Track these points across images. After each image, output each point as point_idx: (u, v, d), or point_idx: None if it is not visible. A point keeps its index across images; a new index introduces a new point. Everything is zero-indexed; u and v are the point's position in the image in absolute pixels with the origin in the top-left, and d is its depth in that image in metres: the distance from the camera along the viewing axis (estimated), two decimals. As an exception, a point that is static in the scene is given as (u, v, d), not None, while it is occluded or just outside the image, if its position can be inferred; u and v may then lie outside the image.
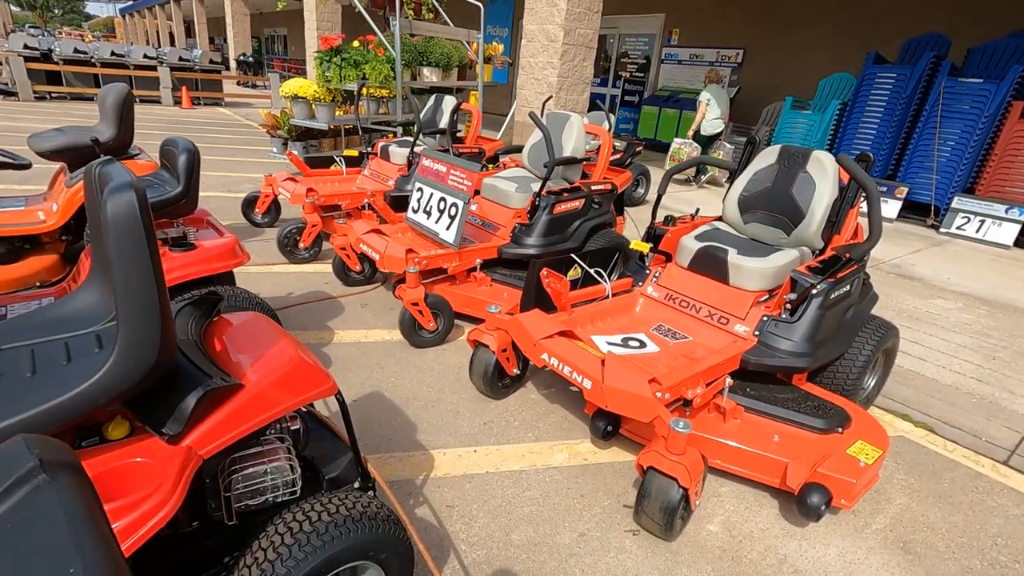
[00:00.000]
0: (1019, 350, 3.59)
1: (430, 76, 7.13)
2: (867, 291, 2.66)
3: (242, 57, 21.31)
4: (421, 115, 5.16)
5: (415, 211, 3.52)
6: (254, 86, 20.52)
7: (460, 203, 3.16)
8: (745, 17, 10.82)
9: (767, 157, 2.77)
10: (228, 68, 20.38)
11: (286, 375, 1.32)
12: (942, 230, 6.65)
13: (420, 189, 3.49)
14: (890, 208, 7.08)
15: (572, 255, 2.90)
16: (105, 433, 1.14)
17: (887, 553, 1.93)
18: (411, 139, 5.11)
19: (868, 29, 8.93)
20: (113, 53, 13.06)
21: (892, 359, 2.77)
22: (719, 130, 8.24)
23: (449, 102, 4.98)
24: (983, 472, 2.41)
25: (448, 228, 3.24)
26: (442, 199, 3.31)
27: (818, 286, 2.25)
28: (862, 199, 2.59)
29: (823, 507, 1.87)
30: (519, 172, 4.01)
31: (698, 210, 3.14)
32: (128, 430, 1.17)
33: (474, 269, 3.39)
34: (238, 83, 20.01)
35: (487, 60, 8.19)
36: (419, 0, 7.90)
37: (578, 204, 3.58)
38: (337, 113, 6.38)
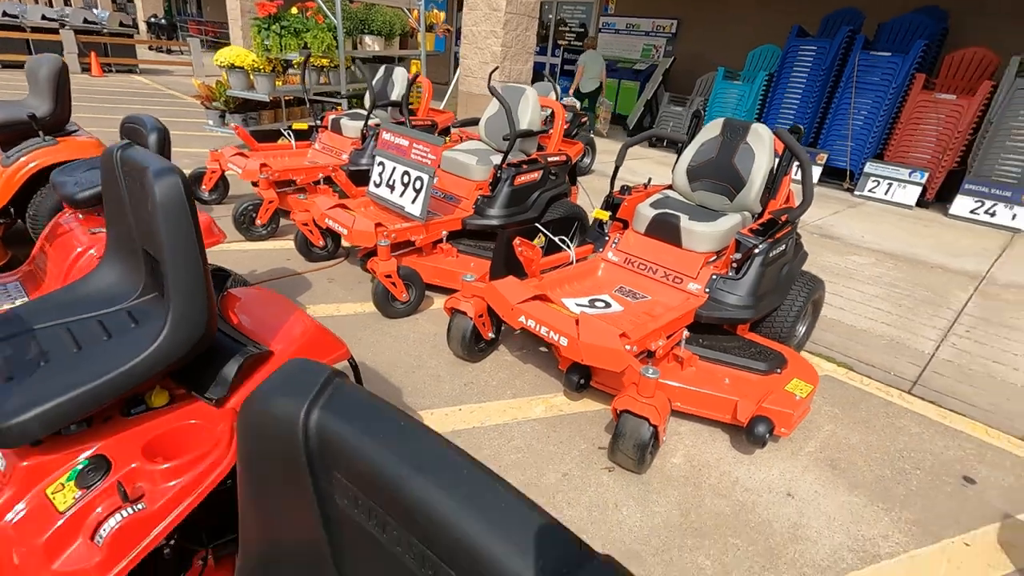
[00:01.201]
0: (920, 298, 4.12)
1: (372, 45, 6.97)
2: (799, 250, 3.00)
3: (153, 19, 19.66)
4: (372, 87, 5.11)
5: (377, 185, 3.57)
6: (169, 51, 19.06)
7: (425, 177, 3.24)
8: (679, -13, 11.11)
9: (712, 129, 3.03)
10: (138, 31, 18.75)
11: (307, 342, 1.43)
12: (856, 193, 7.31)
13: (381, 163, 3.53)
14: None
15: (537, 225, 3.07)
16: (149, 402, 1.22)
17: (818, 470, 2.28)
18: (362, 112, 5.07)
19: (793, 4, 9.42)
20: (5, 13, 11.77)
21: (819, 309, 3.15)
22: (595, 87, 9.31)
23: (400, 74, 4.95)
24: (892, 400, 2.83)
25: (414, 202, 3.32)
26: (405, 173, 3.38)
27: (760, 246, 2.54)
28: (794, 167, 2.90)
29: (767, 435, 2.18)
30: (477, 145, 4.10)
31: (650, 179, 3.37)
32: (168, 398, 1.25)
33: (440, 241, 3.50)
34: (150, 48, 18.49)
35: (428, 28, 8.07)
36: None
37: (537, 176, 3.74)
38: (277, 84, 6.16)
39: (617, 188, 3.13)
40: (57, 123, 3.28)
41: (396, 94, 4.92)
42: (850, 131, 7.47)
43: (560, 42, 13.69)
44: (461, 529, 0.37)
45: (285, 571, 0.54)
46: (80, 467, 1.06)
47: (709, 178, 3.00)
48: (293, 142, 4.94)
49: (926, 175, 6.84)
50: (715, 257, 2.73)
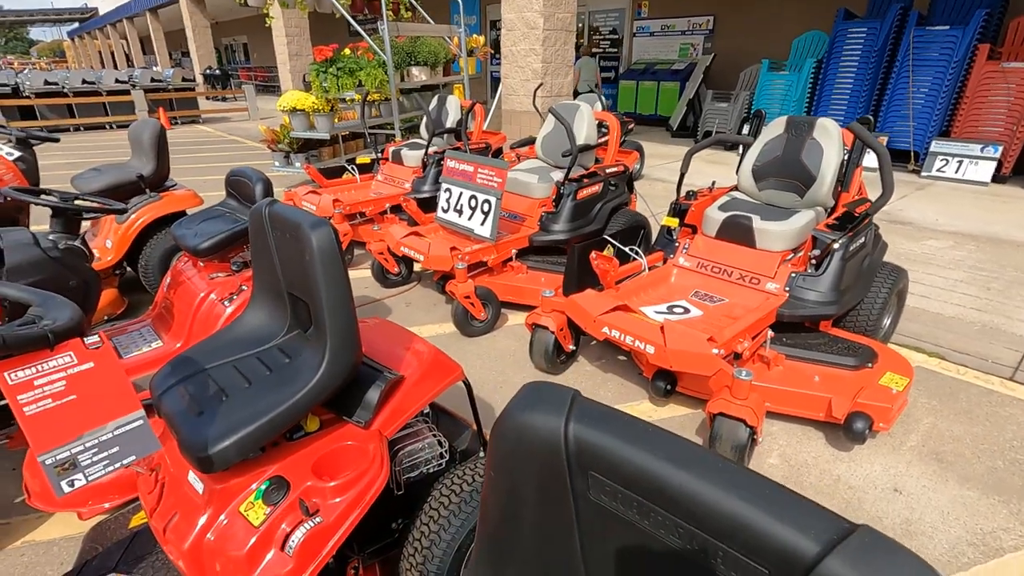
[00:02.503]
0: (1010, 279, 3.93)
1: (419, 75, 7.26)
2: (878, 241, 2.95)
3: (208, 71, 21.00)
4: (426, 117, 5.34)
5: (445, 211, 3.73)
6: (224, 99, 20.31)
7: (493, 199, 3.38)
8: (713, -17, 11.01)
9: (775, 128, 3.03)
10: (196, 84, 20.11)
11: (430, 366, 1.56)
12: (923, 174, 7.00)
13: (448, 190, 3.70)
14: (871, 158, 7.40)
15: (606, 237, 3.15)
16: (305, 427, 1.37)
17: (924, 464, 2.23)
18: (419, 141, 5.30)
19: (834, -15, 9.17)
20: (84, 81, 12.90)
21: (903, 299, 3.08)
22: (588, 90, 9.63)
23: (453, 101, 5.16)
24: (993, 388, 2.73)
25: (483, 224, 3.46)
26: (472, 197, 3.53)
27: (839, 241, 2.52)
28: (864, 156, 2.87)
29: (867, 431, 2.16)
30: (535, 163, 4.23)
31: (714, 183, 3.40)
32: (318, 424, 1.40)
33: (510, 259, 3.63)
34: (207, 98, 19.76)
35: (469, 53, 8.32)
36: (397, 1, 7.99)
37: (598, 188, 3.82)
38: (335, 121, 6.51)
39: (683, 193, 3.17)
40: (159, 179, 3.62)
41: (451, 121, 5.12)
42: (911, 111, 7.18)
43: (595, 50, 13.77)
44: (730, 510, 0.46)
45: (521, 554, 0.65)
46: (264, 487, 1.21)
47: (776, 176, 3.00)
48: (357, 176, 5.21)
49: (1000, 149, 6.49)
50: (792, 255, 2.72)
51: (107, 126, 13.13)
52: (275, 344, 1.47)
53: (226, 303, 2.29)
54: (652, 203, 5.30)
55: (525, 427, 0.59)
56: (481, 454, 1.81)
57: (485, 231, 3.43)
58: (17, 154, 3.23)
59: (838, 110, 7.88)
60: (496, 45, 9.28)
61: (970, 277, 3.98)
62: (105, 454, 0.96)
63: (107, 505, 1.95)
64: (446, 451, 1.64)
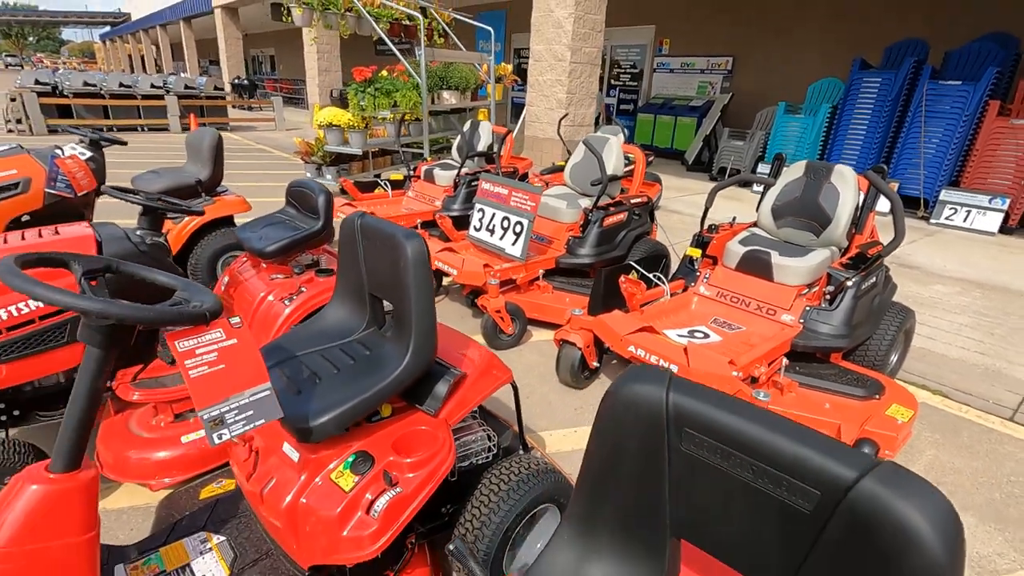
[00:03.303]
0: (1013, 327, 4.10)
1: (450, 99, 7.58)
2: (888, 282, 3.14)
3: (236, 80, 21.62)
4: (458, 140, 5.61)
5: (477, 229, 3.96)
6: (250, 108, 20.86)
7: (525, 221, 3.60)
8: (733, 26, 11.41)
9: (795, 171, 3.25)
10: (226, 92, 20.67)
11: (487, 367, 1.75)
12: (932, 221, 7.21)
13: (481, 210, 3.93)
14: (883, 203, 7.62)
15: (631, 263, 3.35)
16: (382, 412, 1.56)
17: (925, 491, 2.39)
18: (450, 162, 5.56)
19: (851, 36, 9.52)
20: (121, 84, 13.37)
21: (910, 338, 3.25)
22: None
23: (485, 127, 5.43)
24: (993, 427, 2.89)
25: (514, 244, 3.68)
26: (505, 218, 3.75)
27: (852, 279, 2.72)
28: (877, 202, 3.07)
29: (873, 457, 2.32)
30: (563, 190, 4.46)
31: (735, 218, 3.61)
32: (391, 410, 1.59)
33: (536, 278, 3.83)
34: (234, 106, 20.31)
35: (497, 80, 8.67)
36: (431, 27, 8.36)
37: (623, 216, 4.04)
38: (368, 138, 6.81)
39: (705, 227, 3.38)
40: (213, 185, 3.87)
41: (482, 144, 5.38)
42: (922, 159, 7.43)
43: (615, 83, 14.19)
44: (791, 450, 0.64)
45: (616, 497, 0.83)
46: (351, 459, 1.39)
47: (794, 216, 3.21)
48: (389, 191, 5.46)
49: (1008, 201, 6.71)
50: (807, 290, 2.91)
51: (139, 128, 13.55)
52: (354, 339, 1.66)
53: (286, 303, 2.49)
54: (670, 233, 5.51)
55: (632, 396, 0.78)
56: (521, 452, 1.99)
57: (516, 251, 3.64)
58: (89, 154, 3.48)
59: (851, 155, 8.14)
60: (520, 72, 9.64)
61: (974, 322, 4.15)
62: (243, 416, 1.15)
63: (168, 480, 2.14)
64: (494, 445, 1.82)
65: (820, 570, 0.66)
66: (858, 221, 3.11)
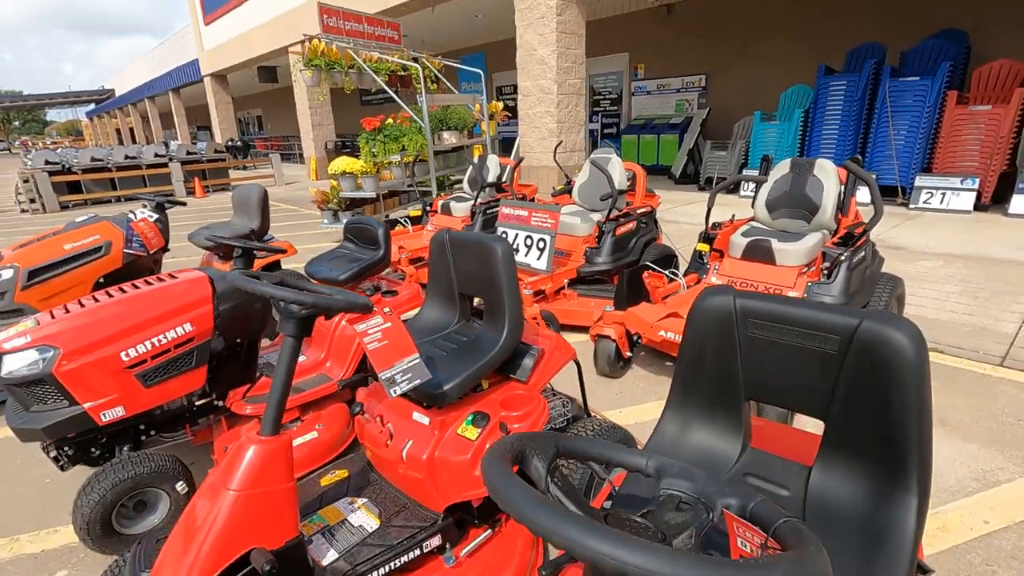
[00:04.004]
0: (995, 290, 4.51)
1: (450, 139, 8.11)
2: (876, 255, 3.56)
3: (231, 142, 22.35)
4: (468, 173, 6.09)
5: (502, 250, 4.37)
6: (245, 167, 21.52)
7: (548, 237, 4.02)
8: (703, 45, 12.16)
9: (782, 169, 3.70)
10: (226, 155, 21.33)
11: (556, 345, 2.13)
12: (911, 206, 7.71)
13: (504, 232, 4.35)
14: (863, 194, 8.14)
15: (649, 264, 3.76)
16: (483, 385, 1.93)
17: (934, 429, 2.75)
18: (463, 195, 6.02)
19: (813, 44, 10.23)
20: (127, 156, 13.94)
21: (903, 304, 3.65)
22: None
23: (493, 160, 5.91)
24: (986, 373, 3.26)
25: (539, 258, 4.09)
26: (528, 236, 4.17)
27: (844, 254, 3.13)
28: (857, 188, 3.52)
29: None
30: (574, 208, 4.90)
31: (734, 215, 4.04)
32: (487, 384, 1.96)
33: (562, 288, 4.23)
34: (232, 168, 20.94)
35: (491, 117, 9.25)
36: (425, 75, 8.97)
37: (632, 225, 4.48)
38: (380, 181, 7.28)
39: (709, 225, 3.81)
40: (263, 233, 4.28)
41: (492, 176, 5.85)
42: (894, 151, 7.98)
43: (596, 109, 14.91)
44: (818, 316, 1.03)
45: (702, 382, 1.21)
46: (471, 417, 1.76)
47: (786, 207, 3.64)
48: (410, 227, 5.90)
49: (978, 180, 7.22)
50: (807, 268, 3.32)
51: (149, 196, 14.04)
52: (450, 331, 2.05)
53: (362, 321, 2.87)
54: (671, 240, 5.95)
55: (711, 306, 1.17)
56: (587, 418, 2.35)
57: (542, 264, 4.05)
58: (156, 216, 3.90)
59: (828, 152, 8.69)
60: (505, 108, 10.23)
61: (960, 289, 4.56)
62: (406, 376, 1.52)
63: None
64: (569, 410, 2.18)
65: (846, 391, 1.04)
66: (842, 205, 3.54)
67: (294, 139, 27.02)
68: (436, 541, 1.74)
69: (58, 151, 15.09)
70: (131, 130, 42.20)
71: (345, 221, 3.36)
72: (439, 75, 9.43)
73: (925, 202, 7.60)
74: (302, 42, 7.33)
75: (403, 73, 8.54)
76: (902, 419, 0.98)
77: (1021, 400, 2.95)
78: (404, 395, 1.78)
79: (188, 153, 14.76)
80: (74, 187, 13.21)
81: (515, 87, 9.59)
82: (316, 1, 7.15)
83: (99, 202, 13.53)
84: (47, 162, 12.93)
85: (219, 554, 1.37)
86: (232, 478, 1.41)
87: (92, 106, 54.61)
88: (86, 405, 2.13)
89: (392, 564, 1.65)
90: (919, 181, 7.69)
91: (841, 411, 1.07)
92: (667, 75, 13.08)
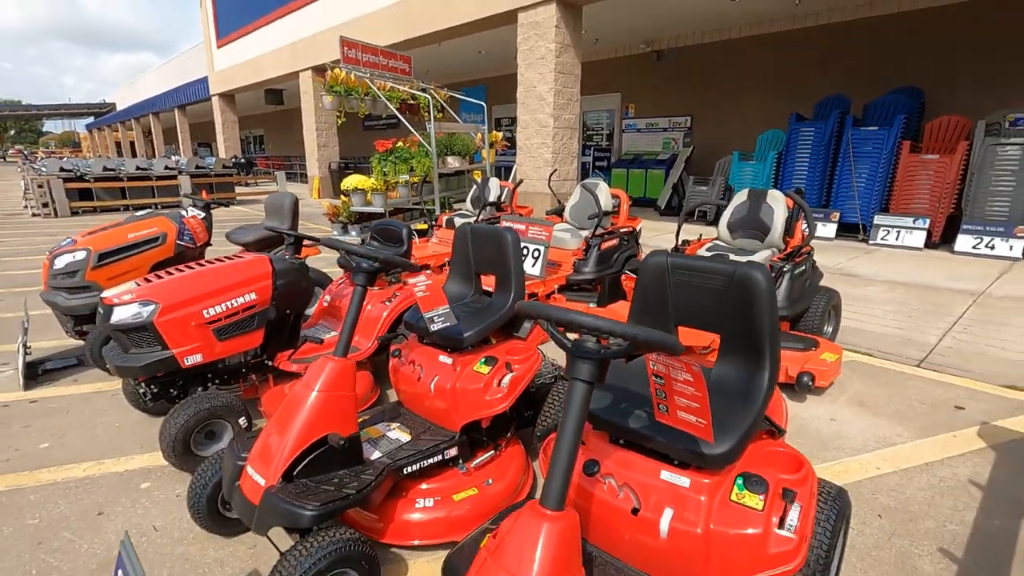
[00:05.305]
0: (927, 311, 5.20)
1: (453, 163, 8.82)
2: (815, 270, 4.23)
3: (235, 159, 23.01)
4: (472, 193, 6.76)
5: (501, 259, 4.99)
6: (247, 184, 22.15)
7: (542, 248, 4.66)
8: (689, 90, 13.14)
9: (740, 196, 4.39)
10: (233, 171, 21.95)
11: (548, 317, 2.73)
12: (870, 242, 8.49)
13: (504, 243, 4.98)
14: (828, 230, 8.94)
15: (629, 271, 4.39)
16: (491, 340, 2.52)
17: (851, 408, 3.36)
18: (466, 212, 6.67)
19: (787, 94, 11.20)
20: (138, 167, 14.52)
21: (839, 312, 4.31)
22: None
23: (494, 182, 6.59)
24: (904, 371, 3.90)
25: (534, 265, 4.71)
26: (524, 247, 4.80)
27: (787, 266, 3.79)
28: (803, 215, 4.21)
29: (810, 383, 3.30)
30: (566, 226, 5.56)
31: (701, 235, 4.71)
32: (494, 340, 2.55)
33: (552, 293, 4.84)
34: (236, 184, 21.55)
35: (491, 145, 10.01)
36: (433, 104, 9.74)
37: (616, 241, 5.13)
38: (389, 198, 7.94)
39: (679, 242, 4.47)
40: (292, 234, 4.86)
41: (492, 196, 6.52)
42: (855, 192, 8.80)
43: (588, 143, 15.82)
44: (713, 265, 1.65)
45: (647, 315, 1.82)
46: (484, 360, 2.34)
47: (744, 228, 4.32)
48: (416, 239, 6.51)
49: (928, 221, 8.03)
50: (757, 278, 3.97)
51: (154, 207, 14.58)
52: (467, 300, 2.65)
53: (387, 302, 3.46)
54: (652, 260, 6.62)
55: (653, 262, 1.79)
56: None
57: (536, 271, 4.67)
58: (203, 215, 4.48)
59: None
60: (506, 139, 11.04)
61: (897, 309, 5.25)
62: (440, 319, 2.11)
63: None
64: (556, 370, 2.78)
65: (730, 310, 1.66)
66: (789, 228, 4.23)
67: (295, 159, 27.83)
68: (453, 452, 2.31)
69: (63, 160, 15.64)
70: (131, 144, 42.88)
71: (374, 223, 3.97)
72: (444, 105, 10.21)
73: (883, 239, 8.38)
74: (319, 69, 8.06)
75: (412, 102, 9.30)
76: (760, 325, 1.59)
77: (928, 391, 3.59)
78: (432, 344, 2.38)
79: (197, 167, 15.37)
80: (85, 194, 13.72)
81: (512, 119, 10.40)
82: (339, 35, 7.91)
83: (109, 210, 14.04)
84: (62, 169, 13.46)
85: (307, 434, 1.93)
86: (316, 382, 1.98)
87: (91, 119, 55.42)
88: (175, 350, 2.69)
89: (420, 463, 2.21)
90: (878, 219, 8.49)
91: (727, 324, 1.69)
92: (655, 115, 14.04)
